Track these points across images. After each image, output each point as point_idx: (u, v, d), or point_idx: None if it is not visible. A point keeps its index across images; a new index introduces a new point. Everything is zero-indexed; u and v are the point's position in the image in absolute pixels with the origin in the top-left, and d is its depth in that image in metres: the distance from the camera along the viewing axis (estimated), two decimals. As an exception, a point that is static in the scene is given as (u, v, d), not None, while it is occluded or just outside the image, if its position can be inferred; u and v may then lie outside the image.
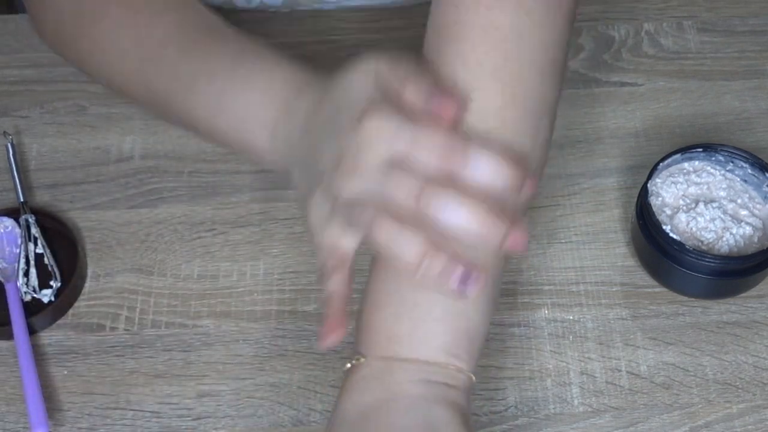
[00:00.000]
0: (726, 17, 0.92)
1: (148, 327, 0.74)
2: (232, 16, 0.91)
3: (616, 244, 0.78)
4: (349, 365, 0.57)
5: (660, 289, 0.76)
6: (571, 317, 0.75)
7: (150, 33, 0.67)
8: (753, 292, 0.74)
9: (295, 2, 0.91)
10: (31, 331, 0.73)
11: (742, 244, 0.72)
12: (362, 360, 0.56)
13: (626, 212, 0.80)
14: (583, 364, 0.72)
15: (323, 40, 0.91)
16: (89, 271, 0.77)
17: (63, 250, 0.77)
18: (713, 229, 0.72)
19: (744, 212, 0.74)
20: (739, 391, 0.71)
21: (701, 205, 0.73)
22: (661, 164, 0.74)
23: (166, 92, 0.66)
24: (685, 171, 0.76)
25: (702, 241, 0.72)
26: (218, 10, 0.91)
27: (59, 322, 0.75)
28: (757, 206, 0.74)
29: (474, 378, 0.58)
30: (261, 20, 0.92)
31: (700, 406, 0.71)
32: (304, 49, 0.90)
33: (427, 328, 0.56)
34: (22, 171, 0.81)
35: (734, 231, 0.72)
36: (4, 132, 0.81)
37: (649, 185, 0.74)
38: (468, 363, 0.57)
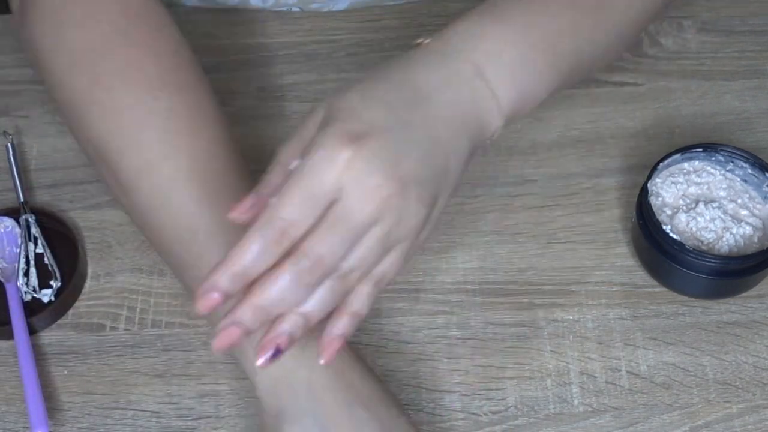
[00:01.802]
0: (726, 17, 0.92)
1: (148, 327, 0.74)
2: (246, 15, 0.92)
3: (616, 244, 0.78)
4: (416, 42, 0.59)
5: (660, 289, 0.76)
6: (571, 317, 0.75)
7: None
8: (753, 292, 0.75)
9: (309, 2, 0.91)
10: (31, 331, 0.73)
11: (742, 244, 0.72)
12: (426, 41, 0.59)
13: (626, 212, 0.80)
14: (583, 364, 0.73)
15: (323, 39, 0.91)
16: (89, 271, 0.77)
17: (63, 249, 0.77)
18: (713, 229, 0.72)
19: (744, 212, 0.74)
20: (739, 391, 0.71)
21: (701, 205, 0.73)
22: (661, 164, 0.74)
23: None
24: (685, 171, 0.76)
25: (702, 241, 0.72)
26: (234, 11, 0.92)
27: (59, 322, 0.75)
28: (757, 206, 0.74)
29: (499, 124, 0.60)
30: (260, 20, 0.92)
31: (700, 406, 0.71)
32: (304, 49, 0.90)
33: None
34: (23, 171, 0.81)
35: (734, 231, 0.72)
36: (5, 132, 0.81)
37: (649, 185, 0.74)
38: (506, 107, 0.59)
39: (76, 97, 0.68)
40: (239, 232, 0.51)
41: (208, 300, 0.51)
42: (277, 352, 0.52)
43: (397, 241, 0.53)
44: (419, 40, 0.59)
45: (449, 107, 0.56)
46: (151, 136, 0.65)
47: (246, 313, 0.51)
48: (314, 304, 0.52)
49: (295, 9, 0.92)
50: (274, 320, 0.52)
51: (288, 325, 0.52)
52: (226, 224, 0.55)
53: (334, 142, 0.50)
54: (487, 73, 0.58)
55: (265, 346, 0.52)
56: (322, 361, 0.53)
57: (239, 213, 0.52)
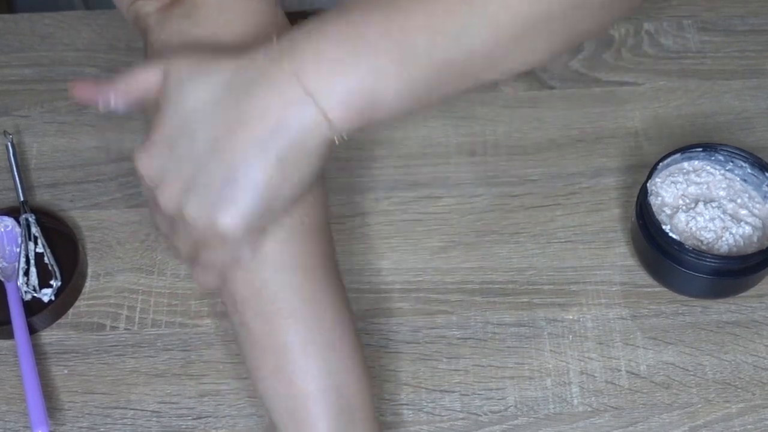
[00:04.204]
0: (726, 16, 0.92)
1: (148, 326, 0.75)
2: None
3: (616, 244, 0.78)
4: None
5: (660, 289, 0.76)
6: (571, 317, 0.75)
7: None
8: (753, 291, 0.75)
9: (309, 3, 0.91)
10: (32, 330, 0.73)
11: (742, 243, 0.72)
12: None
13: (626, 212, 0.80)
14: (582, 363, 0.73)
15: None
16: (89, 271, 0.77)
17: (63, 249, 0.77)
18: (713, 228, 0.73)
19: (743, 212, 0.74)
20: (739, 390, 0.71)
21: (701, 205, 0.74)
22: (660, 164, 0.74)
23: None
24: (684, 171, 0.76)
25: (702, 241, 0.72)
26: None
27: (59, 321, 0.75)
28: (757, 206, 0.74)
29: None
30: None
31: (699, 405, 0.71)
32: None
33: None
34: (23, 170, 0.81)
35: (734, 231, 0.72)
36: (5, 131, 0.81)
37: (648, 185, 0.74)
38: None
39: None
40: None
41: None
42: None
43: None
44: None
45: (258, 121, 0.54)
46: None
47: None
48: None
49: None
50: None
51: None
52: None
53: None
54: (305, 76, 0.53)
55: None
56: None
57: (78, 90, 0.60)
